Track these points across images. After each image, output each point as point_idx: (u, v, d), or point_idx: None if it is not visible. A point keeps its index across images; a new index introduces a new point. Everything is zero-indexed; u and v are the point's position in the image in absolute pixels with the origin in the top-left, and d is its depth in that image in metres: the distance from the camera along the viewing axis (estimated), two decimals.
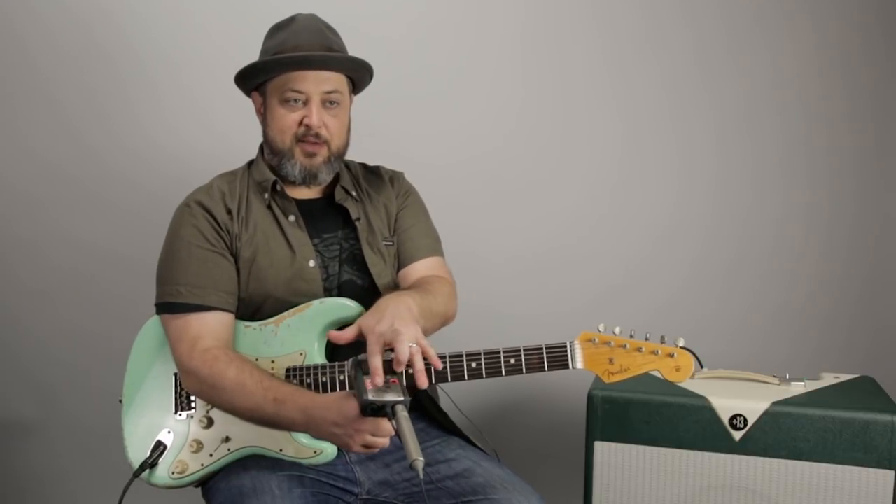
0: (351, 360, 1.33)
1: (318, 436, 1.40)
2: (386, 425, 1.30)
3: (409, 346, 1.28)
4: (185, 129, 2.38)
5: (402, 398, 1.23)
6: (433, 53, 2.33)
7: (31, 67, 2.39)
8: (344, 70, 1.57)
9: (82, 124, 2.40)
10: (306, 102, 1.52)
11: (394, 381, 1.27)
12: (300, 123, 1.53)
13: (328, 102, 1.54)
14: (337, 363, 1.46)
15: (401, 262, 1.63)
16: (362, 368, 1.29)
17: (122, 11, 2.35)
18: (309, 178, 1.57)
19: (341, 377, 1.45)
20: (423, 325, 1.37)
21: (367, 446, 1.34)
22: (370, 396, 1.23)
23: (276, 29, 1.59)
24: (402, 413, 1.21)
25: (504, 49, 2.33)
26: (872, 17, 2.18)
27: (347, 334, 1.35)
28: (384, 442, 1.34)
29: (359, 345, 1.36)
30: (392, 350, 1.29)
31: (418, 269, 1.62)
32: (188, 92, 2.37)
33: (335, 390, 1.44)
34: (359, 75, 1.62)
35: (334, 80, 1.54)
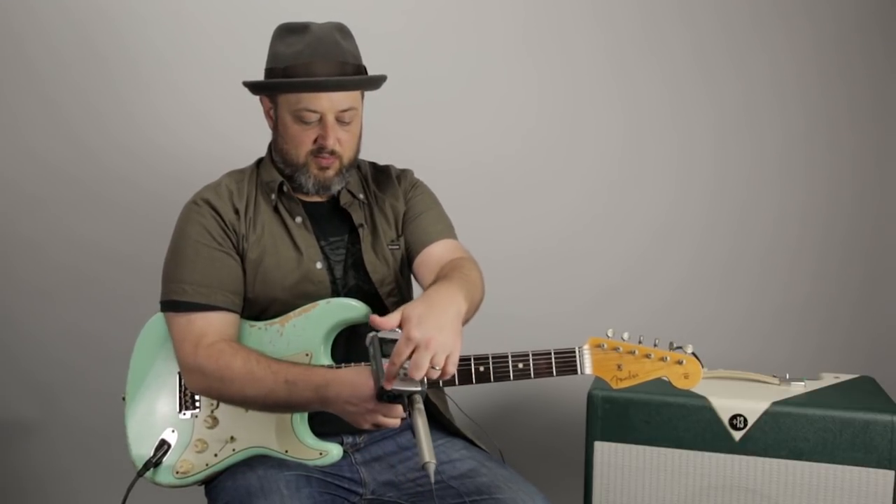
0: (371, 335, 1.28)
1: (332, 411, 1.40)
2: (399, 409, 1.32)
3: (432, 369, 1.23)
4: (181, 128, 2.38)
5: (418, 388, 1.23)
6: (431, 54, 2.33)
7: (27, 66, 2.38)
8: (359, 89, 1.56)
9: (78, 124, 2.39)
10: (321, 119, 1.50)
11: None
12: (314, 141, 1.52)
13: (342, 119, 1.52)
14: (343, 365, 1.45)
15: (415, 248, 1.60)
16: (384, 349, 1.26)
17: (119, 11, 2.34)
18: (322, 190, 1.56)
19: None
20: (467, 319, 1.35)
21: (377, 425, 1.37)
22: (388, 385, 1.23)
23: (288, 32, 1.53)
24: (419, 405, 1.21)
25: (504, 49, 2.33)
26: (870, 16, 2.19)
27: (391, 321, 1.26)
28: (394, 423, 1.36)
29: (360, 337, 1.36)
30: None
31: (436, 251, 1.58)
32: (183, 91, 2.36)
33: None
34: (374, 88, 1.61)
35: (349, 99, 1.52)
